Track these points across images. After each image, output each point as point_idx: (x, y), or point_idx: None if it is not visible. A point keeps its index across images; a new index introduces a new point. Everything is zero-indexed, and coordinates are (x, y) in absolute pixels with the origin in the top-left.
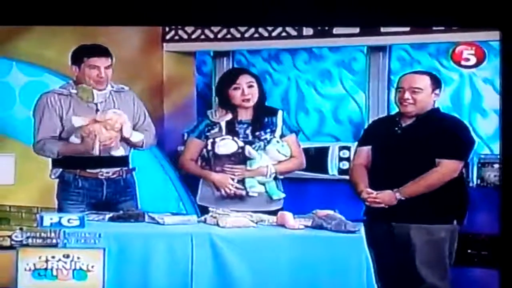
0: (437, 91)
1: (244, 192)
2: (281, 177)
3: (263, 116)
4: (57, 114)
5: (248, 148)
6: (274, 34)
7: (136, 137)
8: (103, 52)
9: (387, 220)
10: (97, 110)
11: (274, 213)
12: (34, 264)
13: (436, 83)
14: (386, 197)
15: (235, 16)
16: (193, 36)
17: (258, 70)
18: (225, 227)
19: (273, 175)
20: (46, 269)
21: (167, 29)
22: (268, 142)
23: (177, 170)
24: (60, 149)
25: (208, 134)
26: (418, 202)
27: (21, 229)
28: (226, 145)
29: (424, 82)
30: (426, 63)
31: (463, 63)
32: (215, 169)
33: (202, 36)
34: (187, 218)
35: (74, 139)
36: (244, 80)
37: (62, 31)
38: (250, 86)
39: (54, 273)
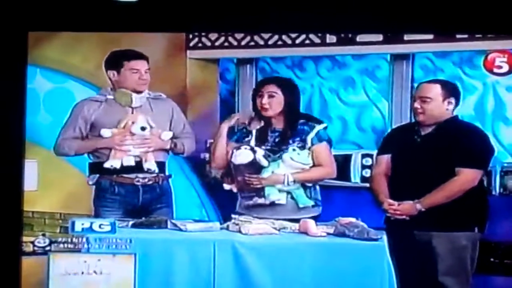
0: (451, 100)
1: (266, 201)
2: (309, 184)
3: (293, 125)
4: (85, 119)
5: (257, 156)
6: (297, 41)
7: (166, 136)
8: (141, 56)
9: (409, 228)
10: (132, 113)
11: (297, 220)
12: (65, 268)
13: (449, 91)
14: (407, 208)
15: (259, 24)
16: (217, 44)
17: None
18: (248, 234)
19: (291, 183)
20: (76, 273)
21: (190, 36)
22: (287, 149)
23: (199, 177)
24: (78, 147)
25: (243, 141)
26: (438, 209)
27: (43, 235)
28: (241, 155)
29: (434, 91)
30: (449, 72)
31: (495, 70)
32: (236, 178)
33: (226, 44)
34: (209, 225)
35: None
36: (266, 89)
37: (85, 37)
38: (271, 96)
39: (86, 277)
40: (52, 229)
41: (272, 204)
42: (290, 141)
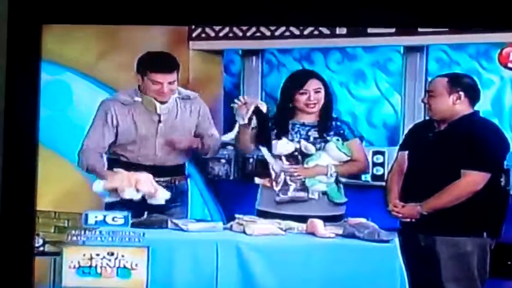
0: (459, 94)
1: (308, 194)
2: (343, 180)
3: (330, 119)
4: (113, 125)
5: (304, 142)
6: (305, 32)
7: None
8: (167, 67)
9: (415, 231)
10: (159, 121)
11: (304, 220)
12: (79, 262)
13: (458, 85)
14: (409, 211)
15: (265, 14)
16: (221, 34)
17: (289, 70)
18: (252, 235)
19: (334, 175)
20: (90, 266)
21: (193, 26)
22: (327, 141)
23: (202, 174)
24: (92, 164)
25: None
26: (444, 213)
27: (37, 234)
28: (282, 145)
29: (438, 85)
30: (465, 65)
31: (510, 65)
32: (273, 170)
33: (231, 34)
34: (212, 225)
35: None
36: (312, 85)
37: (83, 29)
38: (317, 92)
39: (98, 270)
40: (46, 229)
41: (305, 200)
42: (324, 134)
